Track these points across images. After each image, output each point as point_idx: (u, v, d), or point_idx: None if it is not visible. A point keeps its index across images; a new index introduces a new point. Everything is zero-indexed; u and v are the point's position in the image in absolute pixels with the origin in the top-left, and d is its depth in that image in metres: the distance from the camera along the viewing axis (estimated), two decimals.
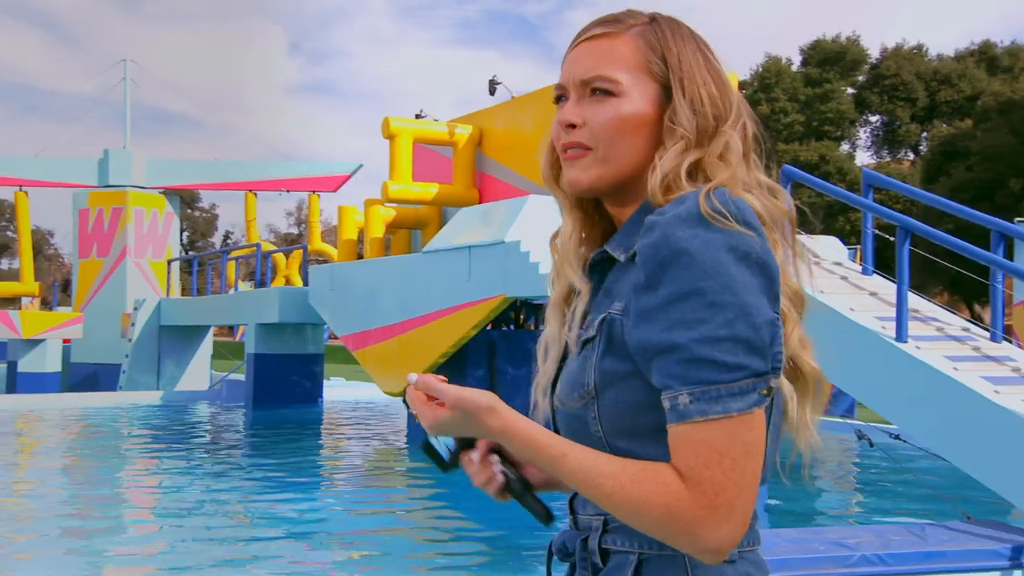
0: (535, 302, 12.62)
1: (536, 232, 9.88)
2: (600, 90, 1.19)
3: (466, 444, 1.26)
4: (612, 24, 1.22)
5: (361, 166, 23.49)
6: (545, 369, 1.28)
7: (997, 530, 5.43)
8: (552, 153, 1.29)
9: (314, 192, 22.59)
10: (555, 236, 1.33)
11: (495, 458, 1.26)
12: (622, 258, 1.17)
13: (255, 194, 22.97)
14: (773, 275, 1.06)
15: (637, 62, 1.19)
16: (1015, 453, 5.50)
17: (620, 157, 1.18)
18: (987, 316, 26.79)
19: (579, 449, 1.11)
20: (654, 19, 1.23)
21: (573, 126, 1.21)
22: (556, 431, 1.22)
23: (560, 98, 1.26)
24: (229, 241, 67.06)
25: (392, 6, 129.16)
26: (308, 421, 14.51)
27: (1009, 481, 5.65)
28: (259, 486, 8.90)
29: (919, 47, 38.86)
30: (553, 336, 1.29)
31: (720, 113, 1.18)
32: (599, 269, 1.22)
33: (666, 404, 1.05)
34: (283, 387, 15.58)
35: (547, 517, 1.26)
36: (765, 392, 1.05)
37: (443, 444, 1.26)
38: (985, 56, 36.97)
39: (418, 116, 13.47)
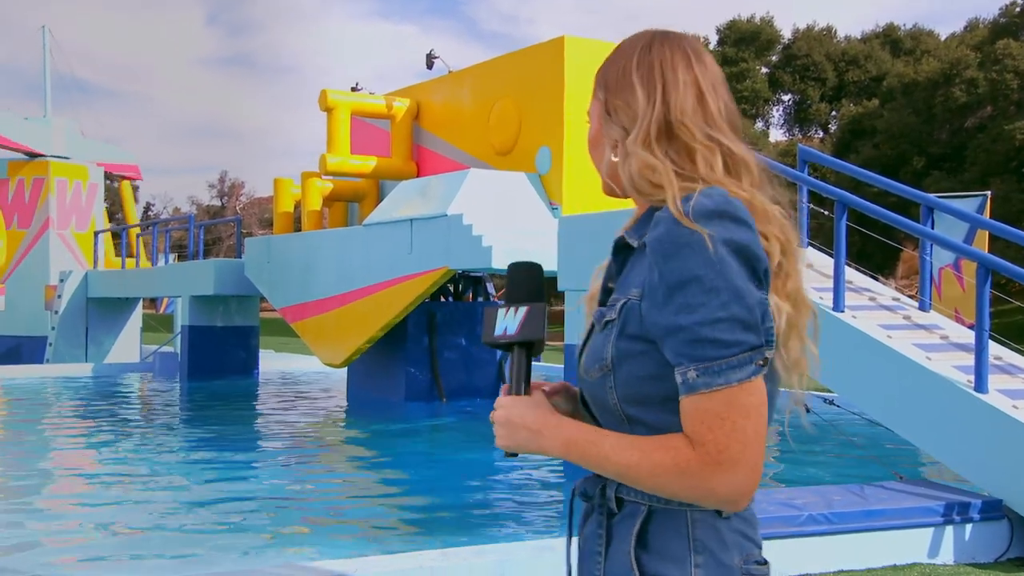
0: (475, 274, 12.60)
1: (477, 205, 9.85)
2: None
3: (521, 344, 1.37)
4: None
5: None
6: (581, 340, 1.44)
7: (930, 489, 5.65)
8: None
9: (125, 178, 22.37)
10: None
11: (523, 385, 1.40)
12: (636, 245, 1.34)
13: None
14: (758, 262, 1.22)
15: (593, 91, 1.44)
16: (946, 416, 5.71)
17: (598, 165, 1.43)
18: (891, 285, 27.74)
19: (606, 436, 1.27)
20: (615, 48, 1.43)
21: None
22: (581, 395, 1.40)
23: None
24: (150, 214, 65.14)
25: None
26: (245, 392, 14.26)
27: (940, 443, 5.87)
28: (198, 456, 8.72)
29: (828, 29, 39.74)
30: (588, 313, 1.45)
31: (659, 115, 1.33)
32: (621, 254, 1.38)
33: (678, 378, 1.21)
34: (218, 359, 15.27)
35: None
36: (761, 363, 1.21)
37: (505, 326, 1.37)
38: (889, 38, 37.99)
39: (354, 89, 13.24)
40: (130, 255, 19.42)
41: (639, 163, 1.31)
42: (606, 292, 1.39)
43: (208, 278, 14.51)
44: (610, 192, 1.42)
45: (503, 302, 1.39)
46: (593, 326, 1.37)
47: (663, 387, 1.24)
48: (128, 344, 19.45)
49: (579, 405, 1.42)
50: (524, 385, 1.35)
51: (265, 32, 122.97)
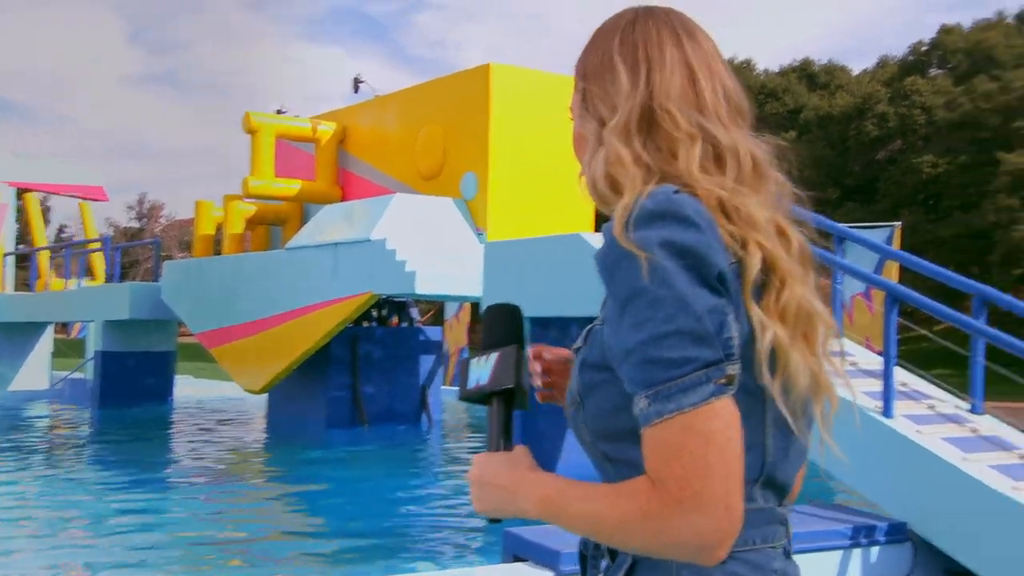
0: (399, 299, 12.56)
1: (401, 230, 9.84)
2: None
3: (499, 393, 1.23)
4: None
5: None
6: None
7: (838, 512, 5.81)
8: None
9: (84, 199, 21.96)
10: None
11: (502, 441, 1.23)
12: None
13: (33, 195, 22.29)
14: (707, 264, 1.03)
15: (574, 85, 1.27)
16: (855, 441, 5.90)
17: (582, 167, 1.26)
18: None
19: (575, 487, 1.09)
20: (595, 31, 1.29)
21: None
22: None
23: None
24: (63, 236, 63.24)
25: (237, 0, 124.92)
26: (159, 420, 13.90)
27: (848, 466, 6.05)
28: (108, 489, 8.46)
29: (748, 62, 40.89)
30: None
31: (614, 109, 1.18)
32: None
33: (635, 410, 1.04)
34: (132, 385, 14.84)
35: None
36: (723, 381, 1.01)
37: (479, 376, 1.24)
38: (805, 73, 39.28)
39: (279, 112, 13.13)
40: (40, 276, 18.81)
41: (609, 158, 1.15)
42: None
43: (123, 302, 14.14)
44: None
45: (468, 353, 1.31)
46: None
47: (631, 419, 1.06)
48: (37, 370, 18.78)
49: None
50: (503, 441, 1.20)
51: (189, 51, 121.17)
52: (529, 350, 1.34)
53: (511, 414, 1.22)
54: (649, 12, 1.22)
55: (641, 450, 1.05)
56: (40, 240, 22.56)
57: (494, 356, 1.22)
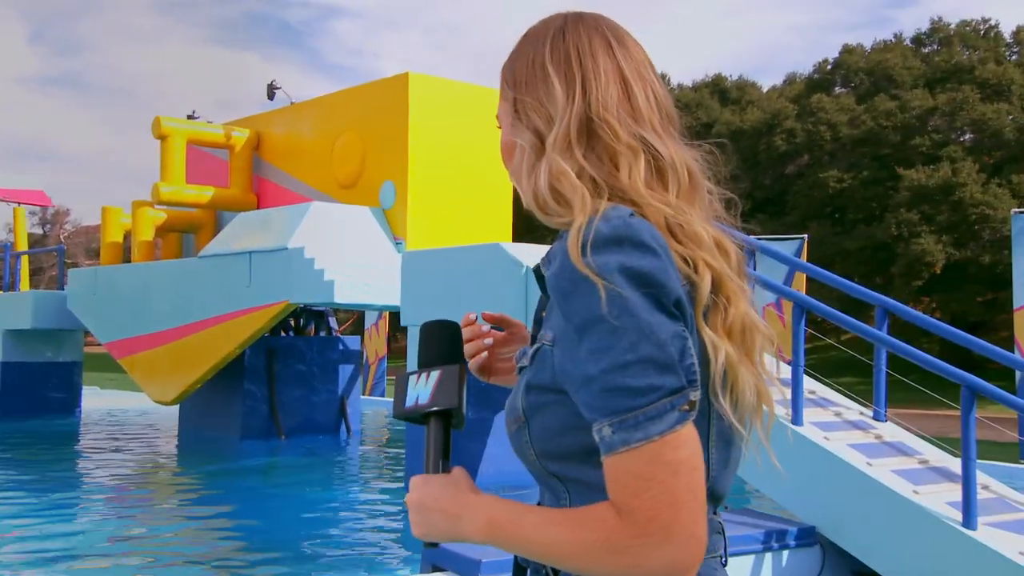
0: (317, 308, 12.38)
1: (319, 238, 9.72)
2: None
3: (436, 414, 1.18)
4: None
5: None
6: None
7: (750, 517, 5.95)
8: None
9: (20, 204, 21.32)
10: None
11: (441, 463, 1.19)
12: (547, 273, 1.12)
13: None
14: (665, 291, 1.02)
15: (501, 92, 1.25)
16: (765, 448, 6.04)
17: (516, 184, 1.24)
18: None
19: (529, 512, 1.07)
20: (521, 37, 1.25)
21: None
22: None
23: None
24: None
25: (147, 1, 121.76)
26: (65, 433, 13.40)
27: (760, 472, 6.19)
28: (7, 505, 8.12)
29: (663, 76, 41.64)
30: None
31: (551, 121, 1.16)
32: (542, 283, 1.18)
33: (596, 437, 1.02)
34: (36, 397, 14.30)
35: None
36: (687, 407, 1.01)
37: (417, 395, 1.18)
38: (717, 88, 40.21)
39: (190, 117, 12.83)
40: None
41: (553, 172, 1.12)
42: (537, 324, 1.19)
43: (26, 311, 13.61)
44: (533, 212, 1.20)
45: (414, 368, 1.21)
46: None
47: (581, 439, 1.06)
48: None
49: None
50: (442, 462, 1.15)
51: (95, 52, 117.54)
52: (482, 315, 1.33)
53: (449, 434, 1.17)
54: (579, 18, 1.19)
55: (597, 472, 1.04)
56: None
57: (435, 374, 1.18)
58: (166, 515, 8.12)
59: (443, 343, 1.21)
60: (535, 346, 1.14)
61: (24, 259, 17.72)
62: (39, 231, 63.37)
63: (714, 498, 1.16)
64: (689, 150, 1.18)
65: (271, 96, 12.85)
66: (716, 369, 1.07)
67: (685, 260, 1.08)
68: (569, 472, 1.10)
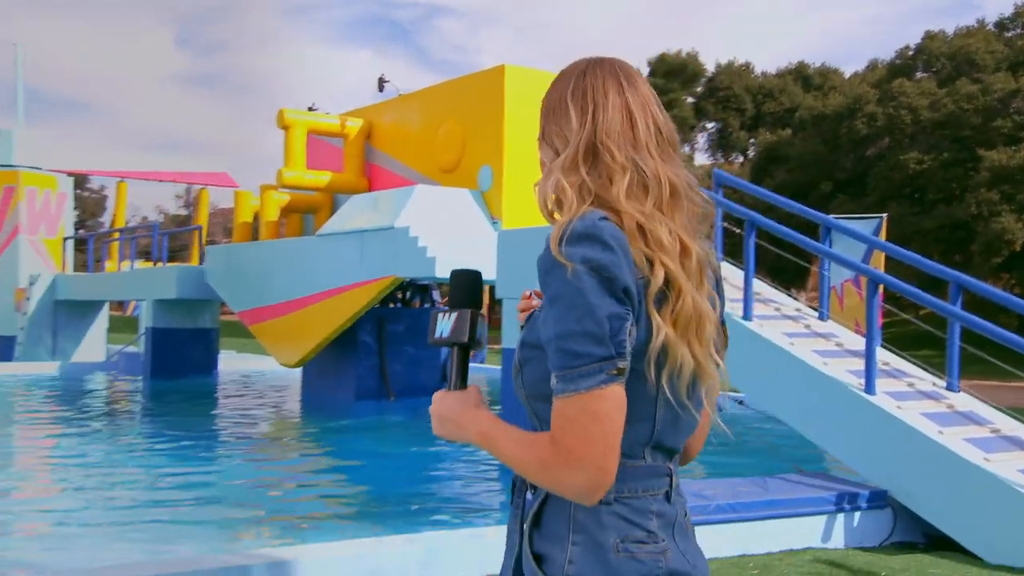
0: (421, 282, 12.54)
1: (423, 218, 9.80)
2: None
3: (456, 343, 1.40)
4: None
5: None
6: None
7: (824, 481, 5.77)
8: None
9: (204, 187, 21.80)
10: None
11: (458, 381, 1.41)
12: None
13: (126, 183, 22.26)
14: (614, 281, 1.21)
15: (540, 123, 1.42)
16: (840, 415, 5.84)
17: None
18: (801, 298, 28.29)
19: (506, 431, 1.30)
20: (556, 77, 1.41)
21: None
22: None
23: None
24: (113, 223, 63.61)
25: (276, 4, 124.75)
26: (205, 390, 13.99)
27: (834, 438, 6.00)
28: (156, 451, 8.53)
29: (747, 64, 40.49)
30: None
31: (580, 143, 1.32)
32: None
33: (551, 383, 1.24)
34: (180, 359, 14.95)
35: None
36: (615, 372, 1.21)
37: (441, 329, 1.40)
38: (801, 75, 38.84)
39: (310, 109, 13.09)
40: (119, 259, 18.99)
41: (554, 183, 1.31)
42: None
43: (170, 283, 14.21)
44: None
45: (446, 307, 1.41)
46: None
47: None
48: (94, 344, 18.94)
49: None
50: (459, 380, 1.38)
51: (231, 53, 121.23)
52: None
53: (466, 360, 1.40)
54: (599, 62, 1.38)
55: None
56: (122, 224, 22.79)
57: (454, 315, 1.39)
58: (290, 466, 8.39)
59: (465, 291, 1.40)
60: (532, 310, 1.37)
61: (195, 234, 18.38)
62: (184, 212, 65.98)
63: (663, 449, 1.33)
64: (681, 169, 1.35)
65: (381, 88, 13.02)
66: (655, 346, 1.25)
67: (647, 258, 1.26)
68: (546, 412, 1.29)
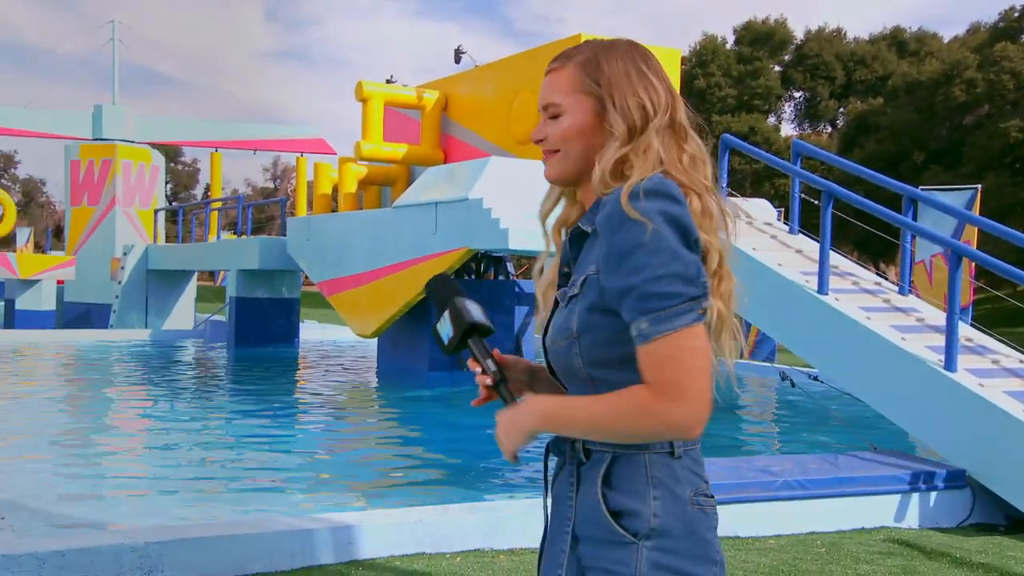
0: (495, 254, 12.60)
1: (497, 190, 9.82)
2: (553, 113, 1.46)
3: (465, 334, 1.46)
4: (562, 59, 1.47)
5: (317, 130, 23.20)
6: (540, 319, 1.53)
7: (899, 459, 5.60)
8: None
9: (301, 154, 22.00)
10: (545, 215, 1.60)
11: (490, 362, 1.49)
12: (589, 231, 1.40)
13: (220, 152, 22.70)
14: (689, 231, 1.30)
15: (575, 86, 1.43)
16: (917, 392, 5.65)
17: (575, 155, 1.44)
18: (891, 273, 27.31)
19: (574, 399, 1.36)
20: (595, 47, 1.45)
21: (540, 140, 1.48)
22: (548, 364, 1.48)
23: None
24: (210, 194, 65.76)
25: None
26: (286, 358, 14.41)
27: (911, 416, 5.81)
28: (244, 416, 8.84)
29: (838, 30, 39.01)
30: (543, 294, 1.54)
31: (648, 114, 1.39)
32: (577, 242, 1.45)
33: (633, 332, 1.29)
34: (263, 328, 15.41)
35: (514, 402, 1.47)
36: (701, 311, 1.29)
37: (445, 333, 1.47)
38: (896, 40, 37.23)
39: (388, 81, 13.22)
40: (210, 231, 19.69)
41: (642, 145, 1.38)
42: (564, 276, 1.47)
43: (253, 254, 14.62)
44: (557, 181, 1.48)
45: (433, 321, 1.48)
46: (556, 305, 1.46)
47: (620, 350, 1.32)
48: (184, 313, 19.70)
49: (547, 374, 1.51)
50: (490, 360, 1.46)
51: (318, 27, 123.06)
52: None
53: (483, 340, 1.47)
54: (631, 41, 1.47)
55: (624, 375, 1.32)
56: (217, 194, 23.43)
57: (447, 313, 1.45)
58: (361, 435, 8.59)
59: (441, 292, 1.48)
60: (582, 277, 1.38)
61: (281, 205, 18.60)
62: (271, 185, 67.70)
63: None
64: (701, 143, 1.45)
65: (457, 60, 13.03)
66: (711, 321, 1.35)
67: (701, 229, 1.35)
68: (607, 376, 1.36)
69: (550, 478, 1.49)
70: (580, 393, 1.40)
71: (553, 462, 1.49)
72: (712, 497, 1.38)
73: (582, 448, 1.38)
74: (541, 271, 1.56)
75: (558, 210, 1.58)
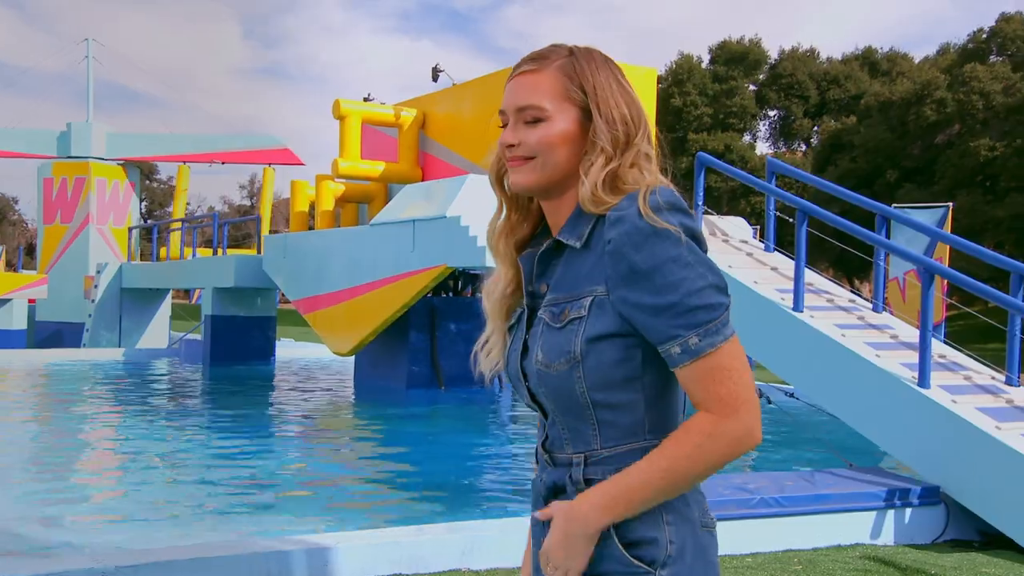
0: (472, 271, 12.60)
1: (475, 208, 9.84)
2: (532, 117, 1.35)
3: None
4: (539, 61, 1.37)
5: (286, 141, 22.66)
6: (496, 340, 1.45)
7: (875, 475, 5.64)
8: (499, 163, 1.45)
9: (269, 165, 21.81)
10: (492, 226, 1.50)
11: None
12: (578, 245, 1.33)
13: (188, 167, 22.29)
14: (704, 245, 1.29)
15: (559, 92, 1.34)
16: (891, 409, 5.70)
17: (553, 164, 1.34)
18: (865, 290, 27.60)
19: (627, 474, 1.26)
20: (572, 53, 1.37)
21: (512, 145, 1.37)
22: (528, 389, 1.37)
23: (504, 120, 1.41)
24: (186, 212, 65.17)
25: None
26: (262, 377, 14.30)
27: (886, 432, 5.86)
28: (219, 436, 8.75)
29: (812, 50, 39.55)
30: (495, 311, 1.45)
31: (630, 128, 1.34)
32: (550, 258, 1.37)
33: (676, 350, 1.24)
34: (238, 346, 15.30)
35: None
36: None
37: None
38: (868, 60, 37.79)
39: (366, 99, 13.23)
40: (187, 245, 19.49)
41: (631, 160, 1.32)
42: (529, 295, 1.38)
43: (229, 271, 14.54)
44: (529, 190, 1.35)
45: None
46: (536, 325, 1.35)
47: (626, 369, 1.28)
48: (158, 331, 19.52)
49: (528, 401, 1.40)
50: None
51: (294, 45, 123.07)
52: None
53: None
54: (605, 55, 1.40)
55: (627, 396, 1.28)
56: (180, 212, 23.04)
57: None
58: (338, 453, 8.52)
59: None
60: (587, 297, 1.30)
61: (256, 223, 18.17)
62: (247, 202, 67.32)
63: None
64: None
65: (435, 78, 13.06)
66: None
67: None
68: (608, 398, 1.29)
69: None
70: (571, 420, 1.32)
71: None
72: (714, 518, 1.36)
73: (582, 479, 1.31)
74: (492, 288, 1.46)
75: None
